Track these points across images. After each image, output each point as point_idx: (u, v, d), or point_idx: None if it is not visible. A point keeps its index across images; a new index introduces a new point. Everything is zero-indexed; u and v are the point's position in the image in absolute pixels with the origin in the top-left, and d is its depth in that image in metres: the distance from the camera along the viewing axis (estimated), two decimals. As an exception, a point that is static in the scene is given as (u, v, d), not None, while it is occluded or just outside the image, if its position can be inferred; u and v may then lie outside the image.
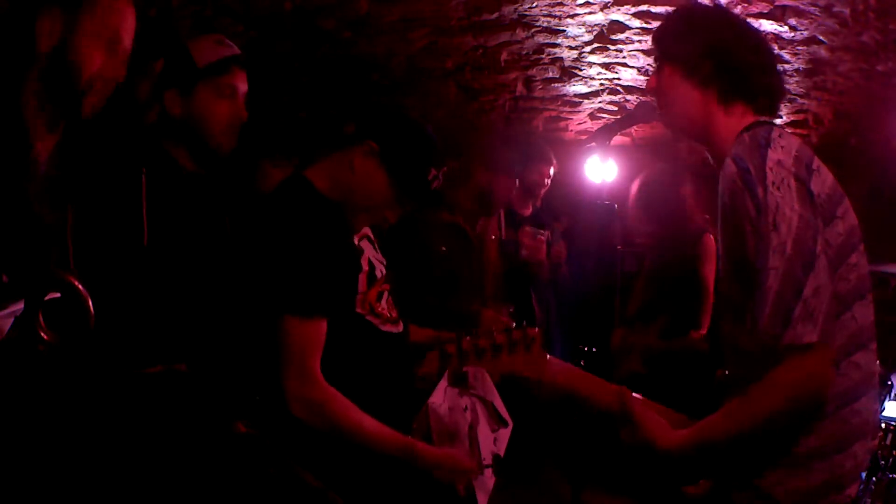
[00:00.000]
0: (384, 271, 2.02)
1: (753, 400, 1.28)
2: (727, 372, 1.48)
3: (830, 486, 1.34)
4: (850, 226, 1.40)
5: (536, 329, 1.56)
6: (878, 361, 1.46)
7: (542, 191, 3.79)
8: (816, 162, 1.39)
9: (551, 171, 3.72)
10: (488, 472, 2.05)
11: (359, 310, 1.86)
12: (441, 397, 2.02)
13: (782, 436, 1.32)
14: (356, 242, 1.94)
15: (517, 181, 3.32)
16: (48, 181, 1.17)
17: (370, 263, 1.95)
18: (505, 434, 2.19)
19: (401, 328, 1.98)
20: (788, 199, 1.28)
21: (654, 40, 1.61)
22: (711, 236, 3.56)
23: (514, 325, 1.53)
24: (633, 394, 1.50)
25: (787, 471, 1.33)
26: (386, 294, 1.98)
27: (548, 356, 1.75)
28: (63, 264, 1.18)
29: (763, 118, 1.49)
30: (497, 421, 2.15)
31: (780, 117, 4.41)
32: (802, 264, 1.26)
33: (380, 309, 1.92)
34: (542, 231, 3.58)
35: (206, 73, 1.87)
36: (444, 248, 2.98)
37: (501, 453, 2.16)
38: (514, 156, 3.28)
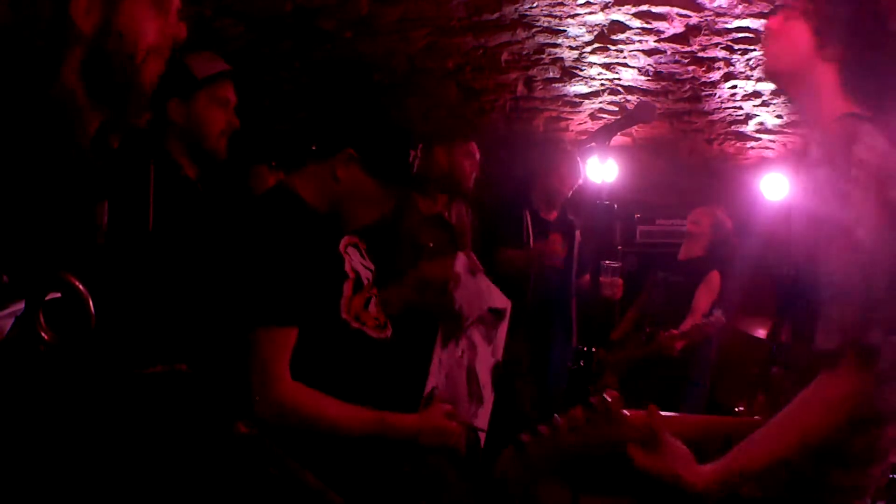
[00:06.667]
0: (371, 277, 2.01)
1: (803, 411, 1.24)
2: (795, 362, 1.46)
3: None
4: None
5: (616, 394, 1.31)
6: None
7: (562, 198, 3.82)
8: None
9: (576, 180, 3.77)
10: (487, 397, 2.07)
11: (344, 315, 1.85)
12: (436, 373, 2.00)
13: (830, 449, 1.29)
14: (342, 249, 1.93)
15: (477, 151, 3.25)
16: (89, 168, 1.11)
17: (355, 270, 1.95)
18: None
19: (389, 333, 1.98)
20: (892, 203, 1.28)
21: None
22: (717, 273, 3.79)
23: (597, 397, 1.30)
24: (662, 413, 1.37)
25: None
26: (373, 300, 1.97)
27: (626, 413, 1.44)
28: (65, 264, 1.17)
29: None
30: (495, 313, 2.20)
31: (781, 117, 4.41)
32: (889, 270, 1.26)
33: (366, 315, 1.91)
34: (616, 265, 3.29)
35: (204, 84, 2.10)
36: (431, 244, 2.90)
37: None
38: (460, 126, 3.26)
